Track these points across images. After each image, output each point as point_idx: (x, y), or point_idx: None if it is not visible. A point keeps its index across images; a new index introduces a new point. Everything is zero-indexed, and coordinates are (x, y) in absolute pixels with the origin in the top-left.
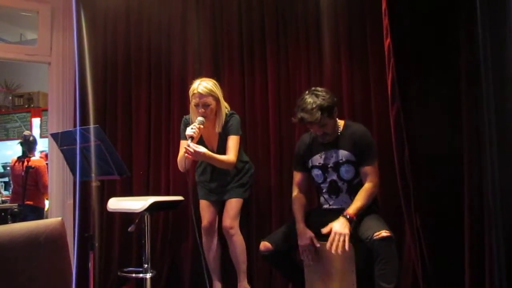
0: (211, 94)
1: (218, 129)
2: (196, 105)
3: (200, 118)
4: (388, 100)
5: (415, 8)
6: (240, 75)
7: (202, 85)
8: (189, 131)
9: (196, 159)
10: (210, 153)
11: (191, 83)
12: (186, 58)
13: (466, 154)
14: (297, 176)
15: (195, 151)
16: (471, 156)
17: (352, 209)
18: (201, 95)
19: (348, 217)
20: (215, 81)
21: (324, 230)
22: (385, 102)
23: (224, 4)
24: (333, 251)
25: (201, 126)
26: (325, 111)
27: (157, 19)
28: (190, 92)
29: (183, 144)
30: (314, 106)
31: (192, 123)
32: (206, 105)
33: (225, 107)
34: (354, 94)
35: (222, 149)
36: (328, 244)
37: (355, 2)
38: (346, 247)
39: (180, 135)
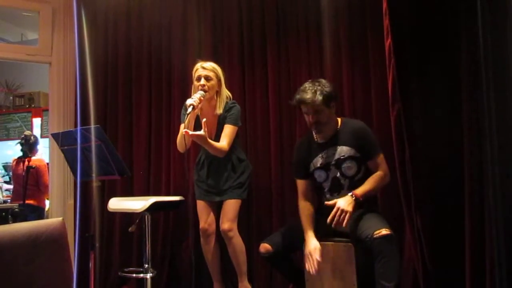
0: (213, 70)
1: (218, 110)
2: (198, 79)
3: (201, 91)
4: (388, 101)
5: (416, 8)
6: (240, 75)
7: (207, 63)
8: (189, 100)
9: (193, 138)
10: (206, 137)
11: (191, 84)
12: (186, 58)
13: (467, 154)
14: (301, 184)
15: (195, 135)
16: (471, 156)
17: (359, 190)
18: (204, 69)
19: (354, 196)
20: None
21: (329, 203)
22: (386, 102)
23: (225, 3)
24: (333, 226)
25: (202, 98)
26: (324, 97)
27: (158, 19)
28: (194, 70)
29: (182, 127)
30: (313, 89)
31: None
32: (208, 79)
33: (226, 93)
34: (355, 94)
35: (220, 136)
36: (329, 218)
37: (355, 1)
38: (345, 223)
39: (180, 119)
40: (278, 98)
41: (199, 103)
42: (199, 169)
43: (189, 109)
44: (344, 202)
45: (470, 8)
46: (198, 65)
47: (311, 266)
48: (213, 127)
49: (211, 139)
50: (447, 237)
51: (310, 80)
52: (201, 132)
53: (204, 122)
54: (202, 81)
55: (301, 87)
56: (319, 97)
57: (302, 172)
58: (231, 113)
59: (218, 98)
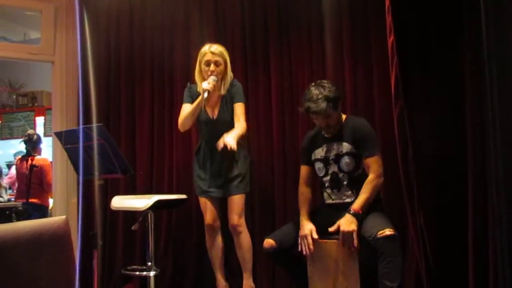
0: (221, 55)
1: (223, 91)
2: (208, 64)
3: (213, 77)
4: (391, 98)
5: (419, 5)
6: (243, 75)
7: (214, 46)
8: (205, 85)
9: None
10: (236, 134)
11: (193, 82)
12: (189, 57)
13: (470, 151)
14: (304, 170)
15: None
16: (475, 153)
17: (357, 204)
18: (213, 54)
19: (353, 212)
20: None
21: (332, 229)
22: (389, 100)
23: (227, 3)
24: (346, 249)
25: (215, 84)
26: (330, 102)
27: (160, 18)
28: (201, 53)
29: (185, 107)
30: (320, 96)
31: (196, 89)
32: (217, 64)
33: (230, 74)
34: (357, 92)
35: (222, 115)
36: (340, 244)
37: None
38: (355, 242)
39: (183, 100)
40: (280, 97)
41: (213, 88)
42: (200, 158)
43: (205, 94)
44: (346, 223)
45: (474, 4)
46: (206, 49)
47: (306, 247)
48: (216, 107)
49: (214, 119)
50: (450, 235)
51: (313, 84)
52: (233, 138)
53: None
54: (212, 67)
55: (307, 94)
56: (328, 105)
57: (306, 159)
58: (236, 91)
59: (223, 81)
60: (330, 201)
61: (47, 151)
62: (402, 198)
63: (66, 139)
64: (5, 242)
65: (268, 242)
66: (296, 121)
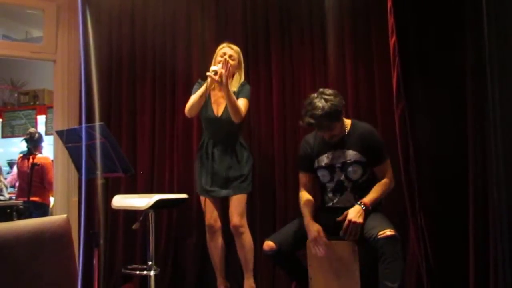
0: (237, 52)
1: (232, 87)
2: (222, 55)
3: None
4: (393, 99)
5: (421, 6)
6: (244, 75)
7: (232, 45)
8: (214, 67)
9: (217, 83)
10: (229, 88)
11: (195, 81)
12: (190, 56)
13: (471, 151)
14: (303, 177)
15: (222, 73)
16: (475, 153)
17: (368, 199)
18: (230, 48)
19: (363, 205)
20: None
21: (339, 218)
22: (390, 101)
23: (229, 2)
24: (346, 239)
25: (223, 71)
26: (333, 116)
27: (162, 17)
28: (218, 48)
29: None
30: (322, 112)
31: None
32: (231, 57)
33: (242, 78)
34: (359, 93)
35: (227, 113)
36: (342, 232)
37: (360, 0)
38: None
39: (192, 92)
40: (282, 97)
41: (221, 73)
42: (202, 155)
43: (211, 73)
44: (354, 214)
45: (475, 5)
46: (225, 44)
47: (318, 249)
48: (221, 105)
49: (219, 117)
50: (451, 236)
51: (316, 95)
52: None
53: (225, 59)
54: (226, 58)
55: (309, 107)
56: (330, 120)
57: (306, 166)
58: (243, 90)
59: (232, 79)
60: (330, 204)
61: (48, 149)
62: (403, 198)
63: (67, 137)
64: (6, 241)
65: (268, 244)
66: (298, 121)
